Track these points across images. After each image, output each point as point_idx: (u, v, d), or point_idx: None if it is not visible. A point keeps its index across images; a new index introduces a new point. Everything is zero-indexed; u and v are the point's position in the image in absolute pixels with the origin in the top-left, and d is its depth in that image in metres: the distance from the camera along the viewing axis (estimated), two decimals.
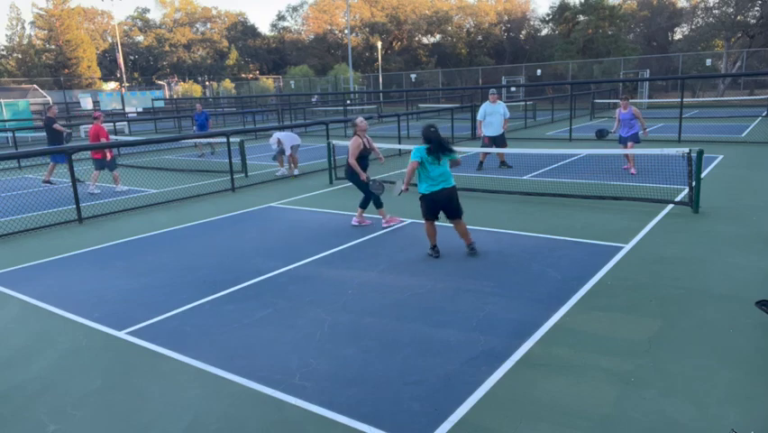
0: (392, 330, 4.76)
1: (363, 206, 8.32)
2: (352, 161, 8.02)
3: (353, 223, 8.35)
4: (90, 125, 12.91)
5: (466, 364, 4.13)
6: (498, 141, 12.80)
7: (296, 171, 13.46)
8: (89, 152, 12.69)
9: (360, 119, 8.27)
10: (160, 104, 35.14)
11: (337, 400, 3.73)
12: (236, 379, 4.07)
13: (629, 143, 11.57)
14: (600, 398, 3.65)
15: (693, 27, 46.60)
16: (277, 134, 13.44)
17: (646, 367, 4.00)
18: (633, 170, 11.54)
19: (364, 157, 8.19)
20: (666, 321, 4.73)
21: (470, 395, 3.73)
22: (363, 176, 8.08)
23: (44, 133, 25.71)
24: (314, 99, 37.18)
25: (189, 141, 17.93)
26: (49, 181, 13.46)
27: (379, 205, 8.25)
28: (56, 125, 13.79)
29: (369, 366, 4.17)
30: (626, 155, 11.67)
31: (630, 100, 11.86)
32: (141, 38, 67.80)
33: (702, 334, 4.49)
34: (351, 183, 8.40)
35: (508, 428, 3.40)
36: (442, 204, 6.53)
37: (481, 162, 12.97)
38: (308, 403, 3.71)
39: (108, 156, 12.06)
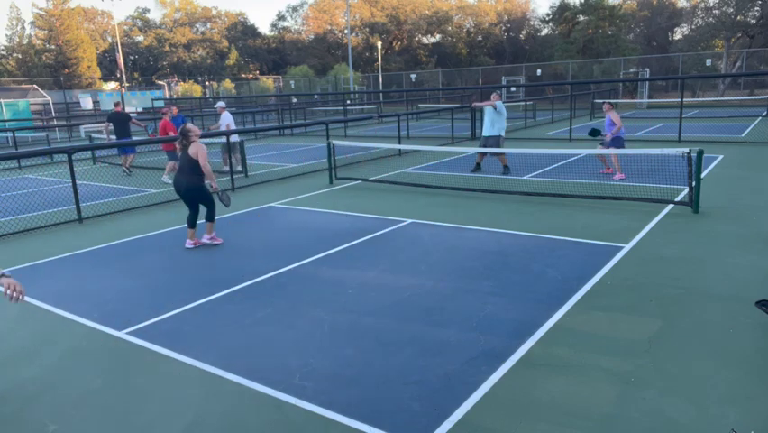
0: (392, 330, 4.76)
1: (207, 218, 7.54)
2: (209, 168, 7.25)
3: (205, 240, 7.58)
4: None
5: (466, 364, 4.13)
6: (490, 142, 12.25)
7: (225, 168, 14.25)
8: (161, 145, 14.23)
9: (191, 124, 7.53)
10: (160, 104, 35.09)
11: (337, 400, 3.73)
12: (236, 379, 4.07)
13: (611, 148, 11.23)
14: (600, 398, 3.65)
15: (693, 27, 46.61)
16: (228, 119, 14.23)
17: (646, 367, 4.00)
18: (610, 169, 11.43)
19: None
20: (666, 321, 4.73)
21: (470, 395, 3.73)
22: (216, 185, 7.38)
23: (44, 133, 25.80)
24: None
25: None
26: (127, 170, 14.56)
27: (193, 225, 7.51)
28: (134, 120, 15.27)
29: (369, 366, 4.17)
30: (604, 158, 11.66)
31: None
32: (141, 38, 67.78)
33: (702, 334, 4.49)
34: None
35: (508, 428, 3.40)
36: None
37: (478, 164, 12.54)
38: (308, 403, 3.71)
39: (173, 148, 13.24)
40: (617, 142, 11.18)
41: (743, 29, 41.21)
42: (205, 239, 7.64)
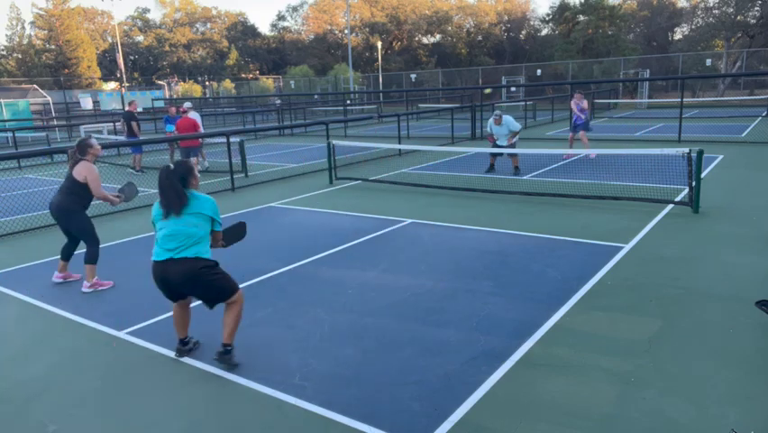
0: (392, 330, 4.76)
1: (87, 260, 6.01)
2: (103, 193, 6.14)
3: (85, 289, 5.97)
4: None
5: (466, 364, 4.13)
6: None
7: (206, 164, 14.92)
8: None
9: (95, 140, 6.30)
10: (160, 104, 35.13)
11: (337, 400, 3.73)
12: (236, 379, 4.07)
13: (581, 132, 13.82)
14: (600, 398, 3.65)
15: (693, 27, 46.61)
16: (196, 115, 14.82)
17: (646, 367, 4.00)
18: (591, 155, 13.21)
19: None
20: (666, 321, 4.73)
21: (470, 395, 3.73)
22: (117, 201, 6.47)
23: (44, 133, 25.82)
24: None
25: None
26: (141, 170, 14.87)
27: (66, 257, 6.34)
28: (134, 123, 15.42)
29: (369, 366, 4.17)
30: (572, 143, 14.15)
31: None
32: (141, 38, 67.77)
33: (702, 334, 4.49)
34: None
35: (508, 428, 3.40)
36: (173, 285, 4.16)
37: (491, 165, 12.46)
38: (308, 403, 3.71)
39: (197, 144, 13.90)
40: (585, 125, 13.84)
41: (743, 29, 41.21)
42: (85, 288, 5.95)
